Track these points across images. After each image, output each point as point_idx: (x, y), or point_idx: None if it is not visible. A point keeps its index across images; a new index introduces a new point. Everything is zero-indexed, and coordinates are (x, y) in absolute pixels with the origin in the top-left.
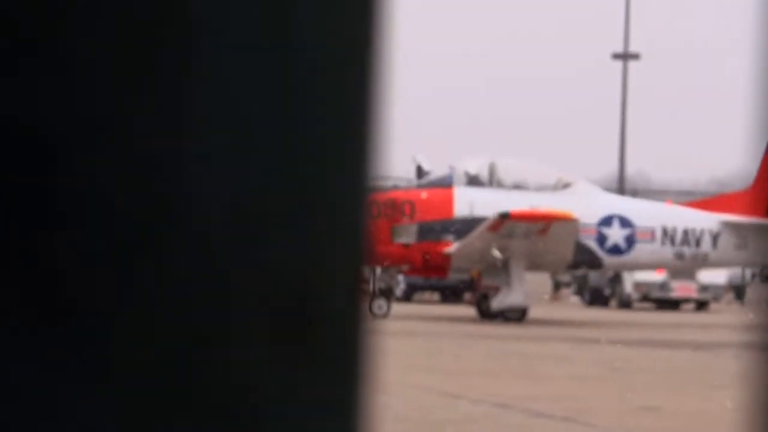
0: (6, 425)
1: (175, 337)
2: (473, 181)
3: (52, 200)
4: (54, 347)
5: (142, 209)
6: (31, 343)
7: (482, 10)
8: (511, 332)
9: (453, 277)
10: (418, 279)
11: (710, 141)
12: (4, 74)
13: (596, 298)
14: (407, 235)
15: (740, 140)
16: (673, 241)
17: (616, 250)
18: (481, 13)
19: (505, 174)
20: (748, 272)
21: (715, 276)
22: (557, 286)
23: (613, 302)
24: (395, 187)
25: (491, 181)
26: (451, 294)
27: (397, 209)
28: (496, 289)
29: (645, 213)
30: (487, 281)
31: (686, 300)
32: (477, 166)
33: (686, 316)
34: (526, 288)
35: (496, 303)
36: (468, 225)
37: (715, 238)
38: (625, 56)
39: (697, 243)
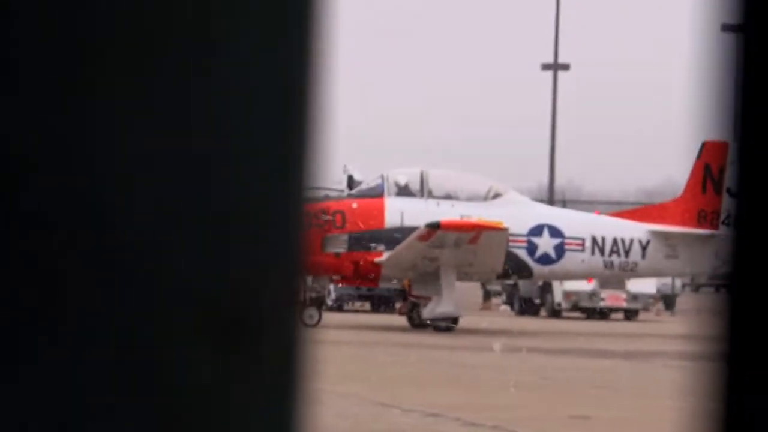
0: None
1: (112, 341)
2: (404, 191)
3: None
4: None
5: (74, 216)
6: None
7: (413, 25)
8: (441, 341)
9: (384, 286)
10: (349, 288)
11: (640, 152)
12: None
13: (526, 307)
14: (338, 245)
15: (670, 151)
16: (602, 251)
17: (546, 259)
18: (412, 29)
19: (435, 184)
20: (678, 282)
21: (644, 285)
22: (487, 295)
23: (543, 311)
24: (326, 197)
25: (422, 191)
26: (381, 303)
27: (328, 219)
28: (427, 299)
29: (575, 223)
30: (417, 291)
31: (616, 309)
32: (408, 176)
33: (616, 326)
34: (457, 297)
35: (427, 312)
36: (399, 235)
37: (644, 247)
38: (555, 67)
39: (627, 252)
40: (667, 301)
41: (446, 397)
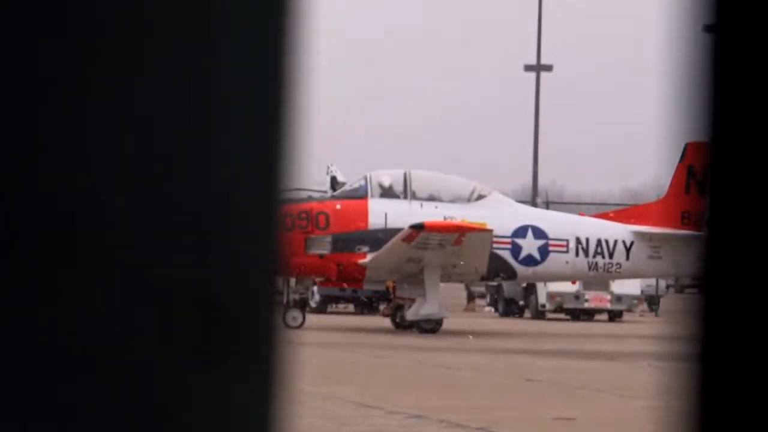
0: None
1: (92, 342)
2: (387, 192)
3: None
4: None
5: (57, 217)
6: None
7: (395, 26)
8: (425, 343)
9: (368, 288)
10: (332, 290)
11: (623, 153)
12: None
13: (510, 308)
14: (322, 246)
15: (653, 152)
16: (586, 252)
17: (529, 260)
18: (394, 30)
19: (419, 185)
20: (662, 283)
21: (628, 287)
22: (471, 296)
23: (528, 313)
24: (309, 198)
25: (405, 192)
26: (365, 305)
27: (311, 220)
28: (411, 300)
29: (559, 224)
30: (401, 292)
31: (600, 310)
32: (391, 177)
33: (600, 327)
34: (441, 299)
35: (411, 314)
36: (383, 236)
37: (628, 248)
38: (537, 68)
39: (611, 254)
40: (651, 302)
41: (430, 399)
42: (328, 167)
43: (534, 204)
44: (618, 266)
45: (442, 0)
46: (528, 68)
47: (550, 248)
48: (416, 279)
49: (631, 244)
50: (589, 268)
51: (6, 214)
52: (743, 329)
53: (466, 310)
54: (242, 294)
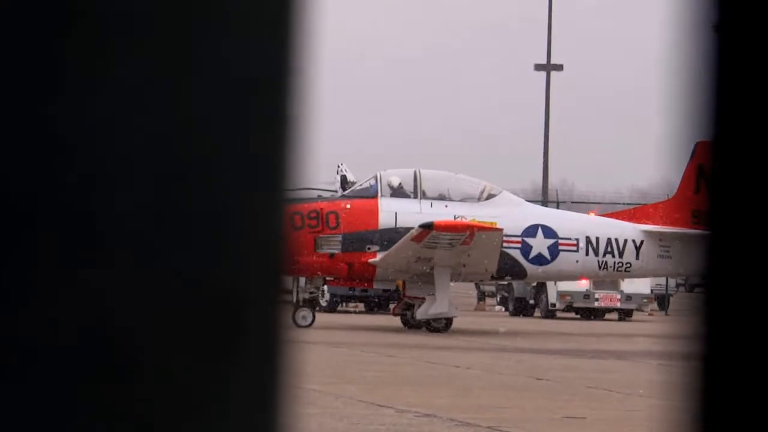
0: None
1: (95, 341)
2: (398, 191)
3: None
4: None
5: (61, 216)
6: None
7: (406, 27)
8: (436, 342)
9: (378, 287)
10: (342, 289)
11: (634, 152)
12: None
13: (521, 307)
14: (332, 246)
15: (663, 151)
16: (596, 251)
17: (540, 259)
18: (405, 31)
19: (429, 185)
20: (672, 282)
21: (638, 286)
22: (482, 296)
23: (538, 312)
24: (320, 198)
25: (415, 191)
26: (375, 304)
27: (321, 220)
28: (421, 300)
29: (569, 223)
30: (411, 291)
31: (610, 309)
32: (401, 176)
33: (610, 326)
34: (451, 298)
35: (421, 313)
36: (393, 235)
37: (638, 248)
38: (548, 67)
39: (621, 253)
40: (661, 301)
41: (440, 398)
42: (339, 167)
43: (545, 204)
44: (628, 265)
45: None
46: (538, 67)
47: (560, 247)
48: (426, 278)
49: (641, 243)
50: (599, 267)
51: (6, 211)
52: (746, 327)
53: (476, 309)
54: (248, 293)
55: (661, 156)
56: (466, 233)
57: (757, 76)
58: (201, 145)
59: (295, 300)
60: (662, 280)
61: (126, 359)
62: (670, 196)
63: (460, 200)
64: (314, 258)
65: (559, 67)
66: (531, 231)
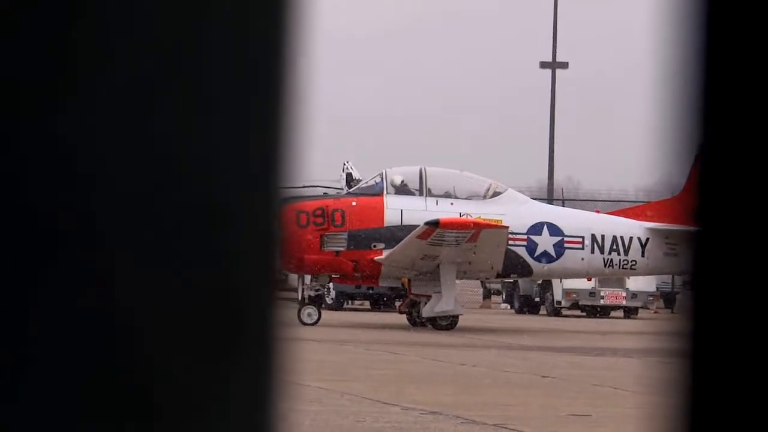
0: None
1: (93, 341)
2: (403, 189)
3: None
4: None
5: (57, 213)
6: None
7: (410, 24)
8: (441, 340)
9: (383, 285)
10: (348, 287)
11: (640, 150)
12: None
13: (526, 305)
14: (337, 243)
15: (667, 149)
16: (602, 249)
17: (545, 257)
18: (408, 29)
19: (434, 182)
20: (678, 280)
21: (644, 283)
22: (487, 293)
23: (543, 309)
24: (325, 195)
25: (421, 189)
26: (381, 302)
27: (327, 217)
28: (427, 297)
29: (574, 221)
30: (417, 289)
31: (615, 307)
32: (407, 174)
33: (616, 323)
34: (457, 295)
35: (427, 310)
36: (398, 233)
37: (643, 245)
38: (553, 65)
39: (626, 251)
40: (667, 299)
41: (446, 396)
42: (344, 164)
43: (550, 202)
44: (633, 263)
45: None
46: (543, 65)
47: (566, 245)
48: (432, 276)
49: (647, 241)
50: (605, 264)
51: (6, 211)
52: (737, 325)
53: (482, 306)
54: (248, 292)
55: (665, 153)
56: (471, 231)
57: (747, 74)
58: (200, 145)
59: (300, 297)
60: (668, 278)
61: (125, 359)
62: (676, 194)
63: (466, 198)
64: (320, 255)
65: (564, 65)
66: (536, 229)
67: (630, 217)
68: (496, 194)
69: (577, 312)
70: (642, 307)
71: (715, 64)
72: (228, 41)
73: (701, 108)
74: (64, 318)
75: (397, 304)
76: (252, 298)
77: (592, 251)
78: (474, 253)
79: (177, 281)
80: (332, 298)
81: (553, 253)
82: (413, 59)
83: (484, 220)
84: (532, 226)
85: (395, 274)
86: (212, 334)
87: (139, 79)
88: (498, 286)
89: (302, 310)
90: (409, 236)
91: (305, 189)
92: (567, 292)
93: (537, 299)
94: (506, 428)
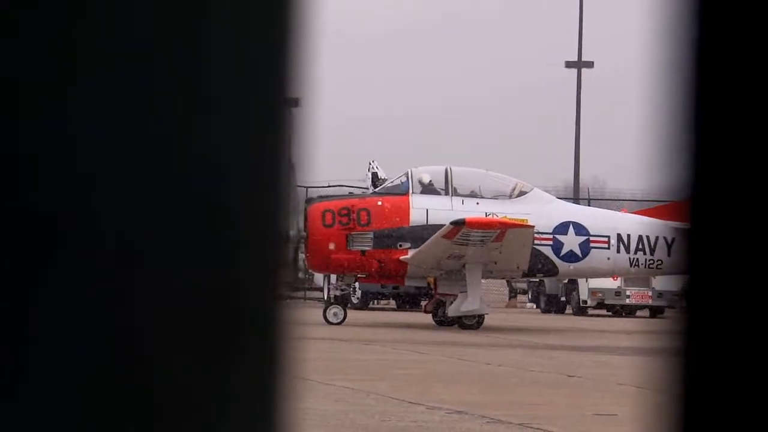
0: None
1: (95, 341)
2: (429, 188)
3: None
4: None
5: (57, 213)
6: None
7: (436, 24)
8: (467, 339)
9: (409, 284)
10: (374, 286)
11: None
12: None
13: (552, 304)
14: (363, 243)
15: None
16: (627, 249)
17: (571, 257)
18: (435, 28)
19: (460, 182)
20: None
21: (670, 282)
22: (513, 293)
23: (569, 309)
24: (351, 195)
25: (447, 188)
26: (407, 301)
27: (352, 217)
28: (453, 296)
29: (600, 220)
30: (442, 288)
31: (641, 306)
32: (433, 173)
33: (642, 323)
34: (482, 295)
35: (452, 310)
36: (424, 232)
37: (670, 245)
38: (579, 65)
39: (652, 250)
40: None
41: (472, 395)
42: (370, 164)
43: (576, 201)
44: (660, 262)
45: None
46: (569, 65)
47: (592, 245)
48: (458, 275)
49: (673, 240)
50: (631, 264)
51: (6, 210)
52: (734, 324)
53: (508, 306)
54: (249, 292)
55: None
56: (497, 230)
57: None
58: (200, 145)
59: (326, 297)
60: None
61: (125, 359)
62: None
63: (492, 197)
64: (346, 255)
65: (589, 64)
66: (562, 228)
67: (656, 217)
68: (521, 194)
69: (603, 311)
70: (668, 307)
71: (714, 64)
72: (228, 41)
73: (695, 108)
74: (64, 318)
75: (423, 303)
76: (252, 297)
77: (618, 251)
78: (500, 253)
79: (177, 281)
80: (358, 298)
81: (578, 253)
82: (413, 59)
83: (509, 219)
84: (558, 226)
85: (421, 274)
86: (212, 334)
87: (139, 79)
88: (524, 285)
89: (328, 310)
90: (434, 236)
91: (331, 188)
92: (593, 292)
93: (563, 299)
94: (532, 428)
